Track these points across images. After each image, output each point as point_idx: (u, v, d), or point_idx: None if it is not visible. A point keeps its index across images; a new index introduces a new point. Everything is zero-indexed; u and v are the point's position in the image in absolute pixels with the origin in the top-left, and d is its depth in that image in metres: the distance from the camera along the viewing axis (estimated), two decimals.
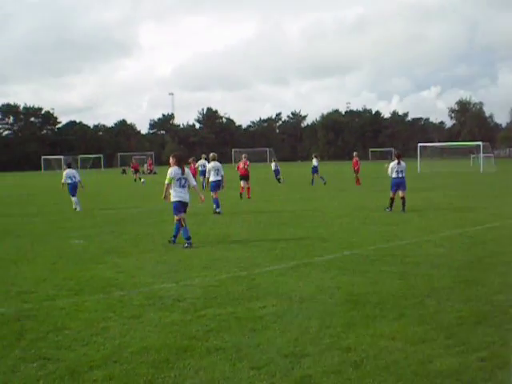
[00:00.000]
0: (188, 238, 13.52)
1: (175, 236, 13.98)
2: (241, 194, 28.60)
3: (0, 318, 7.59)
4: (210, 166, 22.17)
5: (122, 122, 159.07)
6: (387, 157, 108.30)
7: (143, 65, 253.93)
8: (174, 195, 13.85)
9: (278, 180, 40.83)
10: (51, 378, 5.54)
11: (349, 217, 18.87)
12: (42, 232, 16.79)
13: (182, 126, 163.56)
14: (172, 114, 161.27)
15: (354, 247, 12.76)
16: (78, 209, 23.53)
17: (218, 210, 20.84)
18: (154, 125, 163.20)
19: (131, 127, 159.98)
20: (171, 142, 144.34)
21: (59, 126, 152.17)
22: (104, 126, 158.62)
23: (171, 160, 14.20)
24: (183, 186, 13.92)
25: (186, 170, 14.24)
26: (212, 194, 21.29)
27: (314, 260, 11.31)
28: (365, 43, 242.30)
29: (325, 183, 37.36)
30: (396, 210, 19.70)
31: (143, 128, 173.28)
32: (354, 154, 38.94)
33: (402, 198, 19.96)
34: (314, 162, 38.48)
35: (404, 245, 13.02)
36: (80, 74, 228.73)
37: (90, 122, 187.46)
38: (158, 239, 14.58)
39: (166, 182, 13.85)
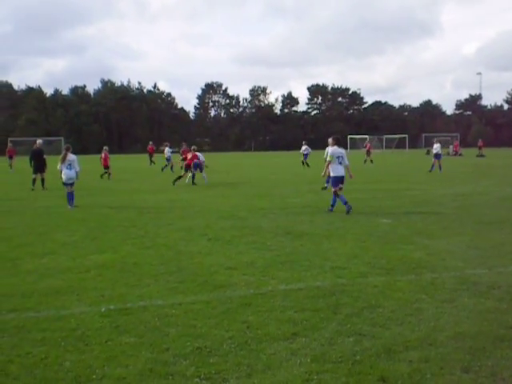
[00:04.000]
0: (346, 203, 16.03)
1: (332, 205, 16.63)
2: None
3: (316, 291, 7.97)
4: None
5: (428, 103, 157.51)
6: None
7: (446, 44, 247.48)
8: (334, 171, 16.44)
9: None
10: (367, 354, 5.67)
11: None
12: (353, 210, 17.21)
13: (489, 106, 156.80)
14: (479, 95, 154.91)
15: None
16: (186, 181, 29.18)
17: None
18: (460, 105, 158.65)
19: (436, 107, 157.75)
20: (478, 123, 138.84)
21: (365, 106, 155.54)
22: (409, 106, 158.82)
23: (331, 141, 16.93)
24: (340, 163, 16.44)
25: (343, 150, 16.83)
26: None
27: None
28: None
29: (430, 171, 36.36)
30: None
31: (448, 109, 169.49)
32: None
33: None
34: (435, 147, 37.22)
35: None
36: (383, 55, 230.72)
37: (395, 102, 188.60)
38: (467, 223, 14.13)
39: (328, 159, 16.63)
